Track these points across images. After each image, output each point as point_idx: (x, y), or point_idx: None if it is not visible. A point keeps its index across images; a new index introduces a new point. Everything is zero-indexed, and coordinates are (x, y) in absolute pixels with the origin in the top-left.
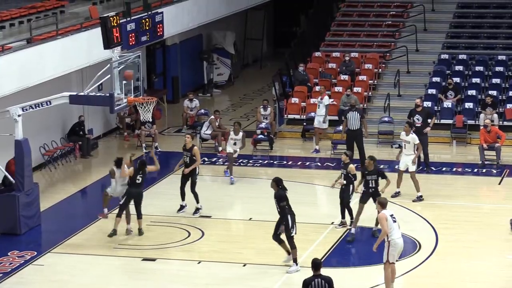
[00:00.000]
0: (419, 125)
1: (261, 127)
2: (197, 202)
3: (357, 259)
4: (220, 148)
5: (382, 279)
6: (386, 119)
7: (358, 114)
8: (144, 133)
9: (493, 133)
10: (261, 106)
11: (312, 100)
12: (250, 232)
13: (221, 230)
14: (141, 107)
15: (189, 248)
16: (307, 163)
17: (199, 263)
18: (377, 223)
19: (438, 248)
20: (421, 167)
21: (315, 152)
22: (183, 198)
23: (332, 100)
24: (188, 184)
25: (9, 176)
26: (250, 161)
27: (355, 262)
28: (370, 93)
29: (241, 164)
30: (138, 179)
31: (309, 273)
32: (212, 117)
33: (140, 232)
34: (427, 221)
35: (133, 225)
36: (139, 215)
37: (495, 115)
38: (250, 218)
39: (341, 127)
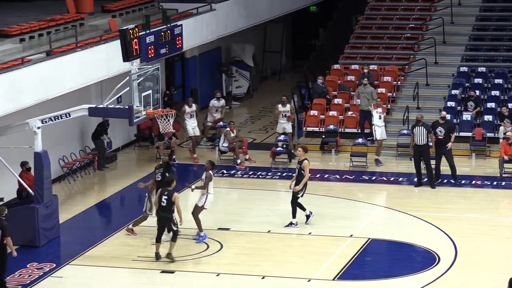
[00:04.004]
0: (441, 137)
1: (280, 139)
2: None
3: (376, 272)
4: (239, 161)
5: None
6: (405, 131)
7: (425, 129)
8: (163, 146)
9: None
10: (280, 103)
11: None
12: (269, 244)
13: (239, 242)
14: (160, 120)
15: (208, 260)
16: (326, 176)
17: (217, 275)
18: None
19: (457, 261)
20: (439, 180)
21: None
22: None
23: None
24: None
25: (29, 188)
26: (269, 174)
27: (374, 275)
28: (389, 105)
29: (260, 176)
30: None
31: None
32: (227, 129)
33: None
34: (446, 234)
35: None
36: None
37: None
38: (269, 231)
39: (360, 140)
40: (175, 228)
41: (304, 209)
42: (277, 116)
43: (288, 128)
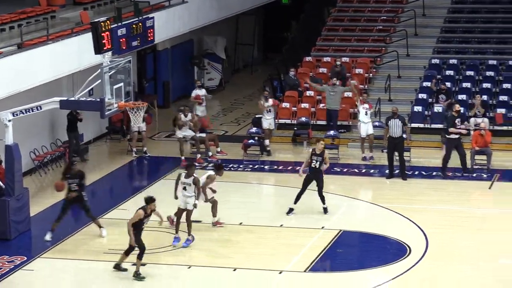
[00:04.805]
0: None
1: (251, 131)
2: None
3: (347, 264)
4: (210, 153)
5: (372, 284)
6: (377, 123)
7: (400, 122)
8: (135, 137)
9: (488, 137)
10: (262, 99)
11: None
12: (241, 236)
13: (211, 235)
14: (132, 112)
15: (179, 252)
16: (298, 168)
17: (189, 267)
18: None
19: (429, 252)
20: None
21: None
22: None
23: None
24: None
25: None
26: (240, 166)
27: (345, 267)
28: (361, 97)
29: (232, 169)
30: None
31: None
32: (179, 113)
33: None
34: (417, 226)
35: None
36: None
37: (486, 120)
38: (241, 223)
39: (331, 132)
40: (135, 244)
41: (324, 202)
42: (261, 111)
43: (273, 123)
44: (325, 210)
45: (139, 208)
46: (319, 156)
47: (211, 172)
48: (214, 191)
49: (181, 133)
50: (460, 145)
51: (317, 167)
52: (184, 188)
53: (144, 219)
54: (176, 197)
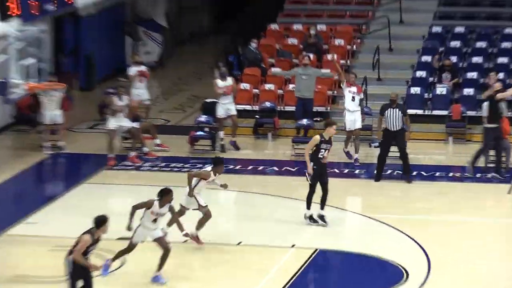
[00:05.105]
0: None
1: (200, 120)
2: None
3: None
4: (146, 149)
5: None
6: (364, 109)
7: (400, 112)
8: (49, 128)
9: (506, 125)
10: (218, 77)
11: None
12: (184, 257)
13: (147, 256)
14: (45, 96)
15: (106, 279)
16: (260, 168)
17: None
18: None
19: (431, 277)
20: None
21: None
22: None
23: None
24: None
25: None
26: (186, 165)
27: None
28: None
29: (175, 169)
30: None
31: None
32: (113, 96)
33: None
34: (416, 243)
35: None
36: None
37: (503, 104)
38: (186, 241)
39: (304, 121)
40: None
41: (323, 207)
42: (218, 95)
43: (233, 109)
44: (323, 219)
45: (84, 233)
46: (329, 144)
47: (208, 168)
48: (225, 186)
49: (115, 123)
50: (502, 137)
51: (326, 157)
52: (154, 220)
53: (90, 247)
54: (129, 229)
